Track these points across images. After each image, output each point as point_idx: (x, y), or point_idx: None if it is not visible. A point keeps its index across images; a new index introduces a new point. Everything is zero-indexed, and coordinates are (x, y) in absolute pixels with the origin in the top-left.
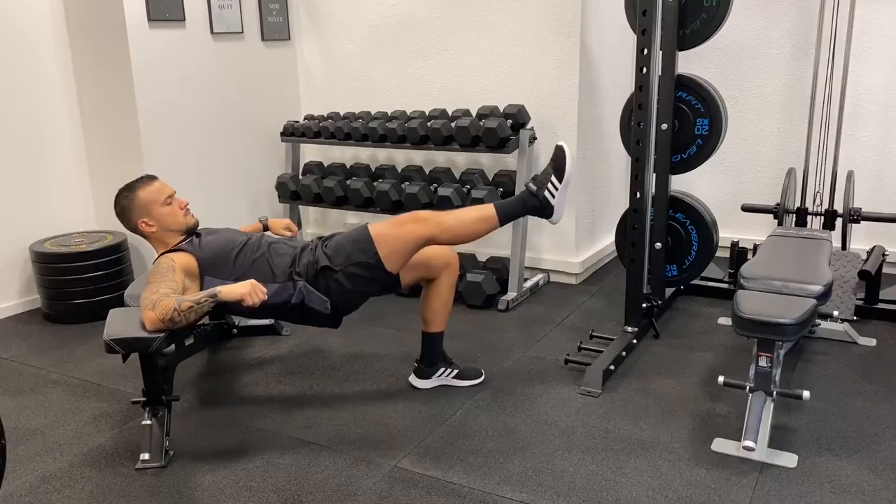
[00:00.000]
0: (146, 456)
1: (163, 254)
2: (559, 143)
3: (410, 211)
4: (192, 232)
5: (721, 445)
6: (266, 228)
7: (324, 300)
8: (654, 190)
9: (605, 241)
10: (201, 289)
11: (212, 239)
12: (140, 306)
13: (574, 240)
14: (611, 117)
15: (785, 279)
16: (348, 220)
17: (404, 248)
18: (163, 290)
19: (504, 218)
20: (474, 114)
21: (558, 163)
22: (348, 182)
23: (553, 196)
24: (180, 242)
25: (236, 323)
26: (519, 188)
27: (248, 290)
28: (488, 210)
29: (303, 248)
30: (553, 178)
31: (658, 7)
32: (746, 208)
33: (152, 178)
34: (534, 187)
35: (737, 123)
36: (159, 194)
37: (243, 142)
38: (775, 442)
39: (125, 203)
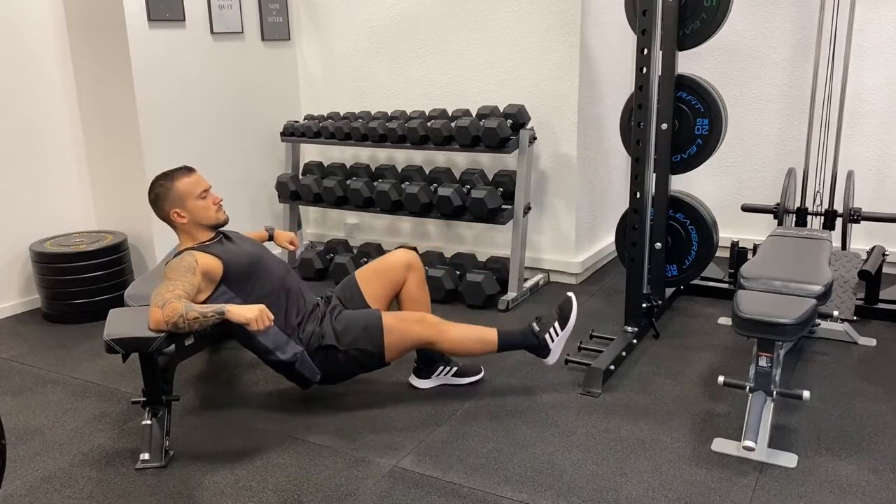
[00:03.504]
0: (146, 456)
1: (187, 249)
2: (569, 294)
3: (413, 213)
4: (219, 228)
5: (721, 445)
6: (271, 238)
7: (315, 372)
8: (654, 190)
9: (605, 241)
10: (212, 294)
11: (240, 252)
12: (151, 300)
13: (574, 240)
14: (611, 117)
15: (785, 279)
16: (348, 219)
17: (405, 345)
18: (178, 292)
19: (503, 347)
20: (474, 114)
21: (565, 313)
22: (348, 182)
23: (552, 340)
24: (209, 241)
25: None
26: (519, 188)
27: (255, 316)
28: (490, 335)
29: (312, 309)
30: (556, 324)
31: (658, 7)
32: (746, 208)
33: (190, 169)
34: (537, 328)
35: (737, 123)
36: (196, 187)
37: (243, 142)
38: (775, 442)
39: (160, 191)
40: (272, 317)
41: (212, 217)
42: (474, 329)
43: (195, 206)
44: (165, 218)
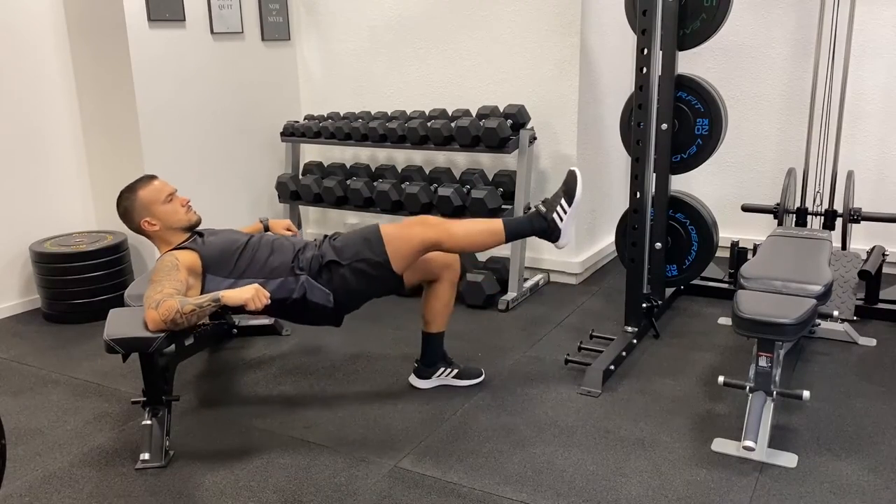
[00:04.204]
0: (146, 456)
1: (167, 252)
2: (572, 168)
3: (413, 213)
4: (194, 229)
5: (721, 445)
6: (267, 229)
7: (326, 293)
8: (654, 190)
9: (605, 241)
10: (203, 287)
11: (214, 239)
12: (143, 304)
13: (574, 240)
14: (611, 117)
15: (785, 279)
16: (348, 219)
17: (410, 249)
18: (167, 290)
19: (511, 234)
20: (474, 114)
21: (569, 187)
22: (348, 182)
23: (561, 220)
24: (184, 241)
25: (236, 323)
26: (519, 188)
27: (251, 296)
28: (496, 224)
29: (305, 244)
30: (563, 202)
31: (658, 7)
32: (746, 208)
33: (152, 177)
34: (543, 209)
35: (737, 123)
36: (160, 193)
37: (243, 142)
38: (775, 442)
39: (127, 204)
40: (268, 294)
41: (182, 219)
42: (479, 222)
43: (163, 211)
44: (138, 229)
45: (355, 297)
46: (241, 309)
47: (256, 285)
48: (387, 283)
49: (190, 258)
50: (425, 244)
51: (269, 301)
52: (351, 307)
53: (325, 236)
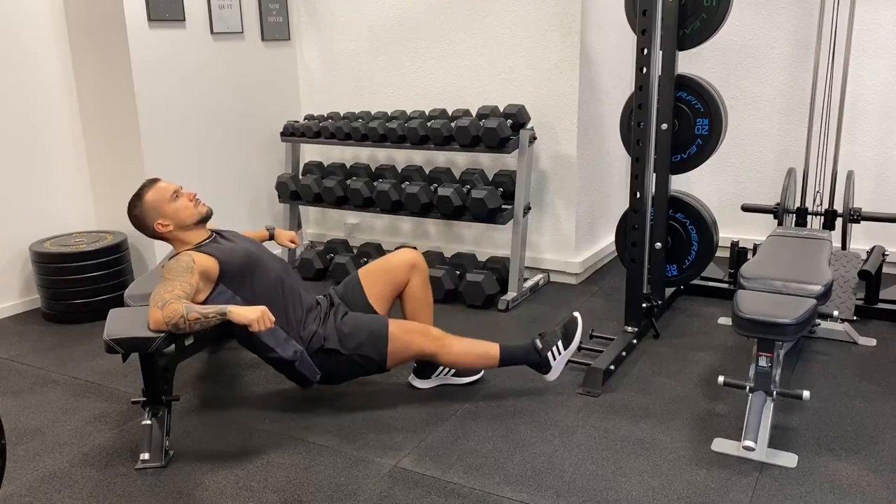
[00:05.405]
0: (146, 456)
1: (184, 251)
2: (575, 314)
3: (413, 213)
4: (206, 221)
5: (721, 445)
6: (271, 237)
7: (316, 372)
8: (654, 190)
9: (605, 241)
10: (212, 293)
11: (233, 249)
12: (150, 301)
13: (574, 240)
14: (611, 117)
15: (785, 279)
16: (348, 219)
17: (406, 354)
18: (177, 292)
19: (504, 362)
20: (474, 114)
21: (569, 332)
22: (348, 182)
23: (554, 358)
24: (203, 241)
25: None
26: (519, 188)
27: (256, 317)
28: (492, 350)
29: (310, 306)
30: (560, 343)
31: (658, 7)
32: (746, 208)
33: (154, 180)
34: (540, 345)
35: (737, 123)
36: (165, 192)
37: (243, 142)
38: (775, 442)
39: (137, 212)
40: (273, 318)
41: (193, 213)
42: (477, 344)
43: (173, 210)
44: (154, 234)
45: (338, 378)
46: (244, 328)
47: (264, 308)
48: (371, 373)
49: (208, 264)
50: (420, 354)
51: (272, 325)
52: (330, 383)
53: (332, 307)
